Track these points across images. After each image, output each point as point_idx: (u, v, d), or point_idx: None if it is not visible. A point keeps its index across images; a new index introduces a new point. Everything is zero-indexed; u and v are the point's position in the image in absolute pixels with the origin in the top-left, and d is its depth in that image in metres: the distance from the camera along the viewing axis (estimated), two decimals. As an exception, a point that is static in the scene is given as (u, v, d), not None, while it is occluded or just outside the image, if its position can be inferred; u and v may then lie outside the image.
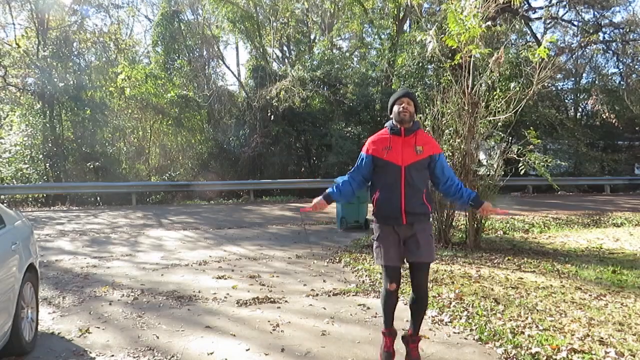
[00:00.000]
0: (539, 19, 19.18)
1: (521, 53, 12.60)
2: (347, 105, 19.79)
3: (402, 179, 3.21)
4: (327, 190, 3.45)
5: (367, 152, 3.35)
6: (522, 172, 7.28)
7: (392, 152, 3.25)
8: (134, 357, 3.58)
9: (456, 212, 8.13)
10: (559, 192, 18.36)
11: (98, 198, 17.30)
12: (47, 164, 17.87)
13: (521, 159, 7.33)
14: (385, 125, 3.44)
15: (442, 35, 7.33)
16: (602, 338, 3.79)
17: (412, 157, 3.23)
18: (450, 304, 4.72)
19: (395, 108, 3.30)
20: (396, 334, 3.43)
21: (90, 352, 3.67)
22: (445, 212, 7.78)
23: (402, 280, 3.50)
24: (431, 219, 3.39)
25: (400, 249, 3.25)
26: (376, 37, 24.32)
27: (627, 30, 18.49)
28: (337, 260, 6.92)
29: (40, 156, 17.85)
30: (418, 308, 3.31)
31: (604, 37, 19.28)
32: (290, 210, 13.67)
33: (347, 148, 18.25)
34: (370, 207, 3.49)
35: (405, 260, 3.30)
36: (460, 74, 7.57)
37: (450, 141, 7.71)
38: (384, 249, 3.25)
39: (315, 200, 3.42)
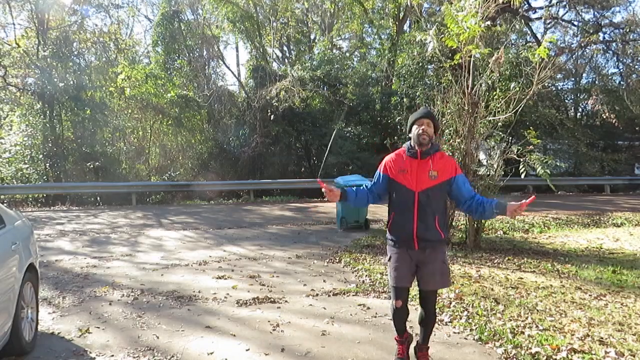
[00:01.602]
0: (539, 19, 19.16)
1: (521, 53, 12.61)
2: (347, 105, 19.79)
3: (416, 204, 3.16)
4: (347, 188, 3.39)
5: (384, 172, 3.31)
6: (524, 174, 7.26)
7: (407, 176, 3.20)
8: (134, 357, 3.58)
9: (456, 212, 8.14)
10: (559, 192, 18.36)
11: (98, 198, 17.29)
12: (47, 164, 17.86)
13: (521, 159, 7.33)
14: (403, 145, 3.37)
15: (442, 35, 7.33)
16: (602, 338, 3.79)
17: (427, 183, 3.16)
18: (450, 304, 4.72)
19: (414, 129, 3.21)
20: (412, 340, 3.47)
21: (90, 352, 3.67)
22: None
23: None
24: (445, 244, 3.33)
25: (412, 270, 3.24)
26: (376, 37, 24.34)
27: (627, 30, 18.47)
28: (337, 260, 6.92)
29: (40, 156, 17.85)
30: (427, 324, 3.34)
31: (604, 37, 19.27)
32: (290, 210, 13.66)
33: (346, 148, 18.25)
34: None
35: (417, 283, 3.29)
36: (460, 74, 7.57)
37: (450, 141, 7.72)
38: (394, 270, 3.24)
39: (333, 187, 3.31)
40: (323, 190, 3.26)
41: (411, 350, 3.49)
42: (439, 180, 3.18)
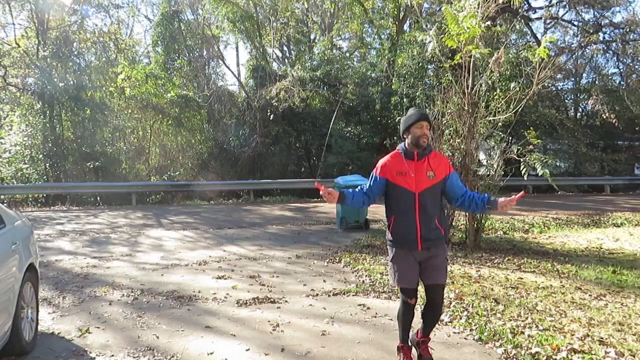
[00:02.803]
0: (539, 19, 19.17)
1: (521, 53, 12.60)
2: (347, 105, 19.79)
3: (417, 206, 3.19)
4: (345, 191, 3.41)
5: (380, 175, 3.31)
6: (525, 175, 7.25)
7: (406, 178, 3.22)
8: (134, 357, 3.58)
9: (456, 212, 8.13)
10: (559, 192, 18.36)
11: (98, 198, 17.29)
12: (47, 164, 17.86)
13: (521, 159, 7.32)
14: (397, 148, 3.37)
15: (442, 36, 7.33)
16: (602, 338, 3.79)
17: (425, 183, 3.21)
18: (450, 304, 4.72)
19: (414, 131, 3.23)
20: (411, 347, 3.48)
21: (90, 352, 3.67)
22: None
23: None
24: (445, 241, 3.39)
25: (417, 270, 3.27)
26: (376, 37, 24.31)
27: (627, 30, 18.47)
28: (337, 260, 6.92)
29: (40, 156, 17.84)
30: (432, 319, 3.37)
31: (604, 37, 19.27)
32: (290, 210, 13.66)
33: (346, 148, 18.25)
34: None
35: (423, 280, 3.32)
36: (460, 74, 7.57)
37: (450, 141, 7.71)
38: (400, 272, 3.27)
39: (331, 189, 3.31)
40: (321, 193, 3.26)
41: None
42: (436, 180, 3.24)
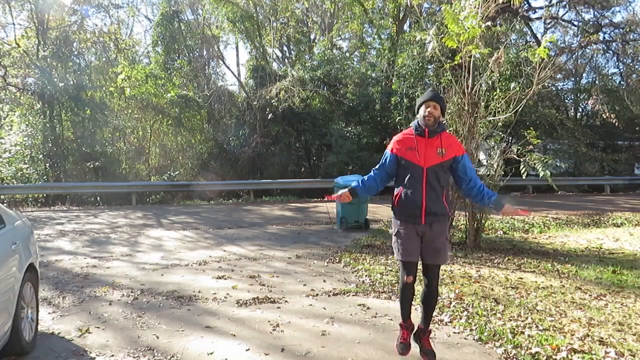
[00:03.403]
0: (539, 19, 19.17)
1: (521, 53, 12.60)
2: (347, 105, 19.79)
3: (424, 180, 3.30)
4: (353, 184, 3.56)
5: (392, 151, 3.44)
6: (525, 175, 7.25)
7: (415, 153, 3.33)
8: (134, 357, 3.58)
9: (456, 212, 8.14)
10: (559, 192, 18.35)
11: (98, 198, 17.29)
12: (47, 164, 17.86)
13: (521, 159, 7.32)
14: (410, 125, 3.51)
15: (442, 36, 7.33)
16: (602, 338, 3.79)
17: (434, 159, 3.31)
18: (450, 304, 4.72)
19: (421, 111, 3.36)
20: (413, 328, 3.54)
21: (90, 352, 3.67)
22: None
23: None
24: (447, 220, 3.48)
25: (419, 245, 3.36)
26: (376, 37, 24.29)
27: (627, 30, 18.47)
28: (337, 260, 6.92)
29: (40, 156, 17.84)
30: (429, 302, 3.46)
31: (604, 37, 19.27)
32: (290, 210, 13.66)
33: (346, 148, 18.25)
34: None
35: (421, 258, 3.42)
36: (460, 74, 7.57)
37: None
38: (402, 245, 3.37)
39: (342, 191, 3.53)
40: (335, 199, 3.49)
41: (411, 339, 3.56)
42: (446, 157, 3.34)
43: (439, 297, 4.87)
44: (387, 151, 3.48)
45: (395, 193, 3.44)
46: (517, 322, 4.17)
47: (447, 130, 3.59)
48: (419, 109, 3.41)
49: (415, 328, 3.57)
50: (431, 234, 3.33)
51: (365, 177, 3.55)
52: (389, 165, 3.45)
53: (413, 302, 3.60)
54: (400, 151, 3.38)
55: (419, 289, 3.61)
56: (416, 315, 3.70)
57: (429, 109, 3.31)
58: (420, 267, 3.47)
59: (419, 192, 3.29)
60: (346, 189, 3.54)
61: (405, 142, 3.39)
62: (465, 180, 3.43)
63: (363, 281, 5.72)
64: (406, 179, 3.35)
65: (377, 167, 3.54)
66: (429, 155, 3.30)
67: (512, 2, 9.04)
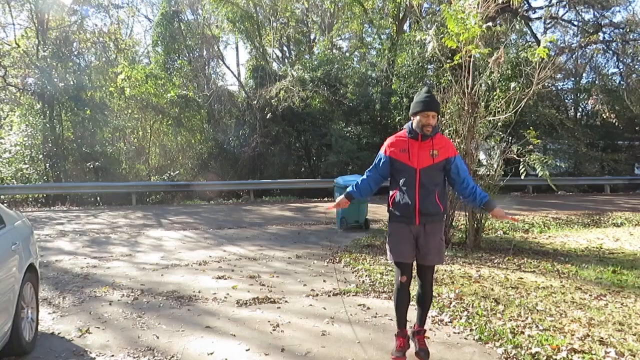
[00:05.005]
0: (539, 19, 19.18)
1: (521, 53, 12.60)
2: (347, 105, 19.78)
3: (417, 181, 3.33)
4: (348, 189, 3.63)
5: (385, 153, 3.49)
6: (523, 175, 7.25)
7: (409, 155, 3.36)
8: (134, 357, 3.58)
9: (456, 212, 8.13)
10: (559, 192, 18.35)
11: (98, 198, 17.29)
12: (47, 164, 17.86)
13: (521, 159, 7.32)
14: (404, 127, 3.53)
15: (442, 36, 7.33)
16: (602, 338, 3.79)
17: (427, 161, 3.34)
18: (450, 304, 4.72)
19: (419, 118, 3.36)
20: (409, 338, 3.54)
21: (90, 352, 3.67)
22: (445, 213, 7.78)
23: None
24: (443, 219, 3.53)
25: (413, 245, 3.39)
26: (376, 37, 24.30)
27: (627, 30, 18.48)
28: (337, 260, 6.92)
29: (40, 156, 17.84)
30: (424, 302, 3.49)
31: (604, 37, 19.27)
32: (290, 210, 13.66)
33: (346, 147, 18.26)
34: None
35: (415, 258, 3.44)
36: (460, 74, 7.57)
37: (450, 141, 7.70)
38: (396, 246, 3.40)
39: (339, 199, 3.63)
40: (335, 209, 3.59)
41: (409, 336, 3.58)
42: (439, 158, 3.37)
43: (439, 297, 4.90)
44: (381, 153, 3.53)
45: (390, 195, 3.49)
46: (517, 322, 4.18)
47: (445, 131, 3.61)
48: (415, 114, 3.39)
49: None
50: (425, 234, 3.36)
51: (359, 181, 3.61)
52: (382, 167, 3.50)
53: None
54: (394, 153, 3.42)
55: (415, 294, 3.61)
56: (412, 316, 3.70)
57: (427, 119, 3.32)
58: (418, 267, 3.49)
59: (412, 193, 3.33)
60: (342, 196, 3.62)
61: (399, 144, 3.43)
62: (457, 181, 3.46)
63: (363, 281, 5.72)
64: (400, 181, 3.39)
65: (370, 169, 3.59)
66: (422, 157, 3.34)
67: (512, 2, 9.05)
